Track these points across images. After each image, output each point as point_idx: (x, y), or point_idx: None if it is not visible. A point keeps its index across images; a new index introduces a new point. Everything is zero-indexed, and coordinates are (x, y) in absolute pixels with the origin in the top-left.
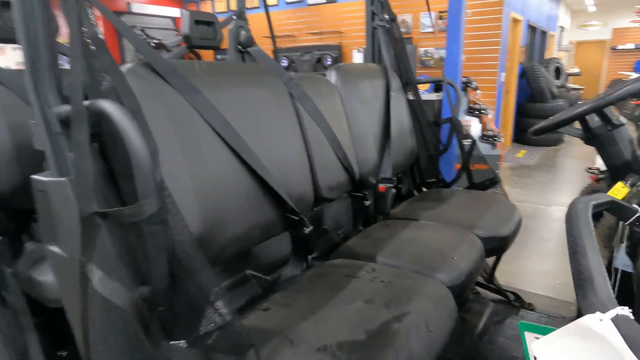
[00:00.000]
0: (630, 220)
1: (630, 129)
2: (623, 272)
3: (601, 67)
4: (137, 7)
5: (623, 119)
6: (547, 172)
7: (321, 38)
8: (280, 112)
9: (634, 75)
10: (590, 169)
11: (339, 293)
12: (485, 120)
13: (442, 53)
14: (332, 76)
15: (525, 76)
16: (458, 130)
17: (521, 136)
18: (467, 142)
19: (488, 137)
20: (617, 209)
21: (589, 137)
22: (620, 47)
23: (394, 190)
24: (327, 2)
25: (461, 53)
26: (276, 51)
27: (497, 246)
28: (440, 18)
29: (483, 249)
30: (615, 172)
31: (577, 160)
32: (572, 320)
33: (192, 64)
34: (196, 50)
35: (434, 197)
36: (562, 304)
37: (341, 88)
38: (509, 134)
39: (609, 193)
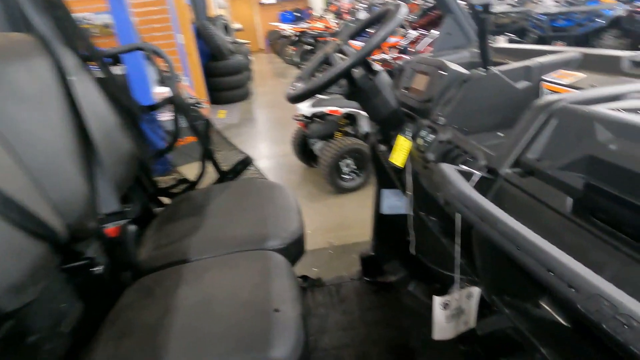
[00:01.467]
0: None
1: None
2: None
3: (254, 21)
4: None
5: (378, 67)
6: (251, 127)
7: None
8: None
9: (283, 25)
10: (296, 116)
11: None
12: (182, 88)
13: (106, 18)
14: None
15: (201, 36)
16: (185, 111)
17: (214, 96)
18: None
19: (192, 106)
20: None
21: (354, 91)
22: (265, 2)
23: (133, 227)
24: None
25: (130, 16)
26: None
27: (298, 251)
28: None
29: (291, 267)
30: (386, 124)
31: (271, 110)
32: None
33: None
34: None
35: (186, 209)
36: (338, 261)
37: None
38: (204, 97)
39: (394, 149)
